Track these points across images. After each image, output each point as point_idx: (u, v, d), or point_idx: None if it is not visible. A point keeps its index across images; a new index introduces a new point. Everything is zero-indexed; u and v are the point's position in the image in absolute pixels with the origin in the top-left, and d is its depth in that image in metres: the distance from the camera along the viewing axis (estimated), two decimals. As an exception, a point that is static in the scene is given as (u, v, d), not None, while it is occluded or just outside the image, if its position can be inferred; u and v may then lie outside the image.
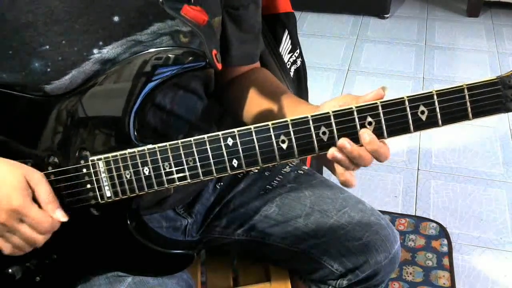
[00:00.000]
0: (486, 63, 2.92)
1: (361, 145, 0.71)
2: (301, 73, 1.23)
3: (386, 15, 3.39)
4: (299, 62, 1.22)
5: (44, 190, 0.75)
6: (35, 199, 0.74)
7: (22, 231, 0.74)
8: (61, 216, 0.75)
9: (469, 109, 0.69)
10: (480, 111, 0.70)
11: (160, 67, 0.76)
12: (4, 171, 0.73)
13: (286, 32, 1.17)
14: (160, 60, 0.76)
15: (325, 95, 2.66)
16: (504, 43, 3.09)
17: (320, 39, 3.19)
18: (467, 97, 0.69)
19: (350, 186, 0.75)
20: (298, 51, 1.21)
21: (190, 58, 0.76)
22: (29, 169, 0.75)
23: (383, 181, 2.15)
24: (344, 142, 0.71)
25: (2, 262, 0.81)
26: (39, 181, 0.75)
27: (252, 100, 0.95)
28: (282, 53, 1.17)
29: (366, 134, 0.71)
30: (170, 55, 0.76)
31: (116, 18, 0.78)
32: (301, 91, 1.23)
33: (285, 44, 1.17)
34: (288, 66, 1.19)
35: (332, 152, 0.72)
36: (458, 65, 2.91)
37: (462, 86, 0.69)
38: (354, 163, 0.72)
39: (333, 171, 0.77)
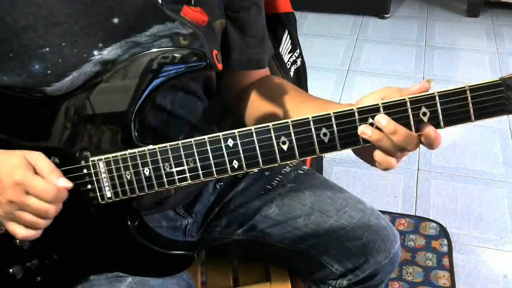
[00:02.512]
0: (486, 63, 2.92)
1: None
2: (301, 73, 1.23)
3: (386, 15, 3.39)
4: (299, 62, 1.22)
5: (44, 163, 0.74)
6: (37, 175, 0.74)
7: (30, 203, 0.73)
8: (65, 183, 0.74)
9: (471, 111, 0.69)
10: (483, 113, 0.69)
11: (162, 67, 0.76)
12: (2, 154, 0.74)
13: (286, 32, 1.17)
14: (162, 60, 0.76)
15: (325, 95, 2.66)
16: (504, 43, 3.09)
17: (320, 39, 3.19)
18: (469, 98, 0.68)
19: (391, 167, 0.73)
20: (298, 51, 1.20)
21: (191, 58, 0.76)
22: (27, 150, 0.75)
23: (383, 181, 2.15)
24: (380, 117, 0.69)
25: (3, 262, 0.82)
26: (38, 156, 0.75)
27: (265, 108, 0.94)
28: (282, 53, 1.17)
29: (428, 127, 0.69)
30: (171, 56, 0.76)
31: (115, 20, 0.78)
32: (301, 91, 1.23)
33: (285, 44, 1.17)
34: (288, 66, 1.19)
35: (360, 129, 0.70)
36: (458, 65, 2.91)
37: (464, 87, 0.68)
38: (397, 145, 0.71)
39: (371, 161, 0.75)
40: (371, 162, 0.75)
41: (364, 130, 0.70)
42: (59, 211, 0.76)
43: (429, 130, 0.70)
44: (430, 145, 0.71)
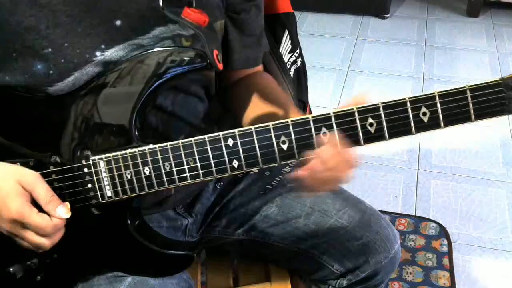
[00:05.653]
0: (486, 63, 2.92)
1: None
2: (301, 73, 1.23)
3: (386, 15, 3.39)
4: (299, 62, 1.22)
5: (41, 190, 0.74)
6: (35, 201, 0.74)
7: (27, 237, 0.74)
8: (64, 213, 0.75)
9: (472, 111, 0.69)
10: (483, 113, 0.69)
11: (163, 68, 0.76)
12: None
13: (286, 32, 1.17)
14: (163, 60, 0.76)
15: (325, 95, 2.66)
16: (504, 43, 3.09)
17: (320, 39, 3.19)
18: (469, 98, 0.68)
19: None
20: (298, 51, 1.20)
21: (192, 58, 0.76)
22: (22, 172, 0.75)
23: (383, 181, 2.15)
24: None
25: (3, 261, 0.82)
26: (34, 182, 0.74)
27: (251, 104, 0.95)
28: (282, 53, 1.17)
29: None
30: (172, 56, 0.76)
31: (118, 22, 0.78)
32: (301, 91, 1.24)
33: (285, 44, 1.17)
34: (288, 66, 1.19)
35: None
36: (458, 65, 2.91)
37: (464, 87, 0.68)
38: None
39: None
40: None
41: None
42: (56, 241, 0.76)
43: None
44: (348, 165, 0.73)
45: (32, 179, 0.74)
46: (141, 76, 0.77)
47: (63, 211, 0.75)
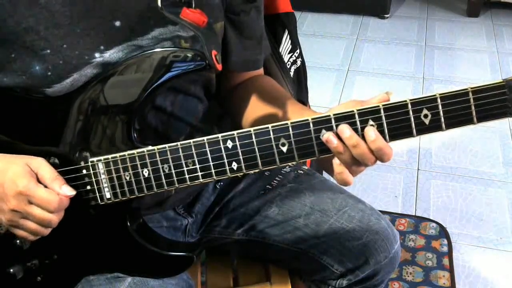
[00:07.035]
0: (486, 63, 2.92)
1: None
2: (301, 73, 1.23)
3: (386, 15, 3.39)
4: (299, 62, 1.22)
5: (47, 170, 0.75)
6: (40, 182, 0.74)
7: (33, 213, 0.74)
8: (68, 191, 0.75)
9: (474, 113, 0.67)
10: (485, 115, 0.68)
11: (163, 69, 0.76)
12: (5, 161, 0.74)
13: (286, 32, 1.17)
14: (162, 61, 0.76)
15: (325, 95, 2.66)
16: (504, 43, 3.09)
17: (320, 39, 3.19)
18: (471, 100, 0.67)
19: (347, 184, 0.74)
20: (298, 51, 1.20)
21: (190, 59, 0.76)
22: (30, 157, 0.76)
23: (383, 181, 2.15)
24: (344, 127, 0.70)
25: (3, 262, 0.82)
26: (40, 164, 0.75)
27: (254, 107, 0.95)
28: (282, 53, 1.17)
29: (371, 131, 0.69)
30: (171, 57, 0.76)
31: (117, 23, 0.78)
32: (301, 91, 1.24)
33: (285, 44, 1.17)
34: (288, 66, 1.19)
35: (327, 136, 0.70)
36: (458, 65, 2.91)
37: (466, 89, 0.67)
38: (355, 159, 0.71)
39: (331, 172, 0.76)
40: (331, 172, 0.76)
41: (331, 139, 0.70)
42: (61, 218, 0.76)
43: (379, 141, 0.69)
44: (381, 158, 0.71)
45: (39, 161, 0.76)
46: (148, 67, 0.76)
47: (68, 189, 0.75)
